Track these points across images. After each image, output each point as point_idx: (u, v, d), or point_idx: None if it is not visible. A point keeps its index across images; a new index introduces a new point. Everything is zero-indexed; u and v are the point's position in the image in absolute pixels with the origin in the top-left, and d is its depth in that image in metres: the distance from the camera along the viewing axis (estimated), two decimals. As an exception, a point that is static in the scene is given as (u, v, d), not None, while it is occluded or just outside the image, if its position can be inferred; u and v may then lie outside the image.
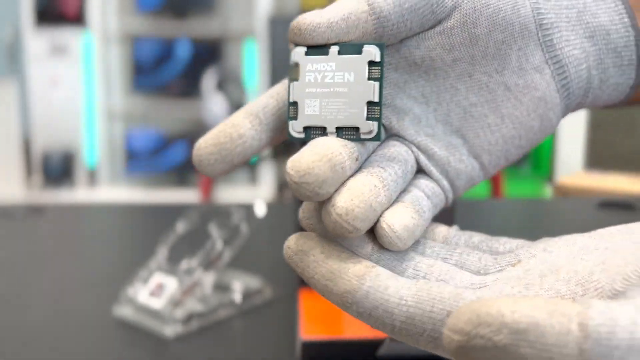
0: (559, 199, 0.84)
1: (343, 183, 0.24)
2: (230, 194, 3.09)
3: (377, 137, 0.26)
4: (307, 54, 0.26)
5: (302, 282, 0.47)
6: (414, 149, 0.28)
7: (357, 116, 0.26)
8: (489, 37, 0.28)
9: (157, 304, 0.44)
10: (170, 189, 3.26)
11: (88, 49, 3.21)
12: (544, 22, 0.28)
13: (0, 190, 2.74)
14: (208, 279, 0.47)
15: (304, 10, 2.99)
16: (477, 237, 0.27)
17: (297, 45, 0.26)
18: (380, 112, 0.26)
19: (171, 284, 0.45)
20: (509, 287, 0.23)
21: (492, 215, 0.81)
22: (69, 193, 3.22)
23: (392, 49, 0.28)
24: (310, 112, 0.26)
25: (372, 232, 0.25)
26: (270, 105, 0.28)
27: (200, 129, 3.28)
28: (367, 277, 0.23)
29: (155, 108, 3.31)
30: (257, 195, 3.13)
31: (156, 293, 0.45)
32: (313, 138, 0.26)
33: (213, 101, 2.50)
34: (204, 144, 0.27)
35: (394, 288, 0.23)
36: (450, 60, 0.28)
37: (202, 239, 0.48)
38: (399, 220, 0.24)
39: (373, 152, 0.27)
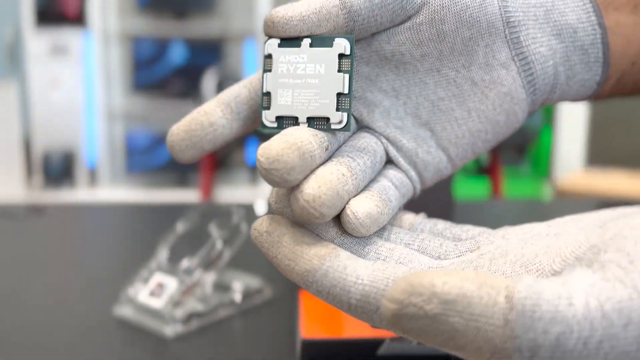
0: (559, 200, 0.84)
1: (312, 171, 0.25)
2: (230, 194, 3.09)
3: (346, 128, 0.27)
4: (280, 45, 0.27)
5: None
6: (384, 140, 0.29)
7: (328, 107, 0.27)
8: (456, 34, 0.29)
9: (157, 303, 0.44)
10: (170, 189, 3.26)
11: (88, 49, 3.21)
12: (511, 19, 0.29)
13: (1, 190, 2.74)
14: (208, 279, 0.47)
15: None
16: (441, 225, 0.28)
17: (270, 37, 0.27)
18: (350, 103, 0.27)
19: (171, 284, 0.45)
20: (459, 269, 0.24)
21: (491, 216, 0.81)
22: (70, 193, 3.22)
23: (363, 43, 0.29)
24: (282, 102, 0.27)
25: (338, 217, 0.26)
26: (242, 94, 0.29)
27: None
28: (328, 257, 0.24)
29: (156, 108, 3.31)
30: (257, 195, 3.13)
31: (156, 293, 0.45)
32: (285, 127, 0.27)
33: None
34: (176, 131, 0.28)
35: (352, 268, 0.24)
36: (419, 55, 0.29)
37: (202, 239, 0.48)
38: (363, 208, 0.25)
39: (344, 143, 0.28)
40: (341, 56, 0.27)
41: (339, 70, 0.27)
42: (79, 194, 3.23)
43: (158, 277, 0.46)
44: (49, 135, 3.24)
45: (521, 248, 0.24)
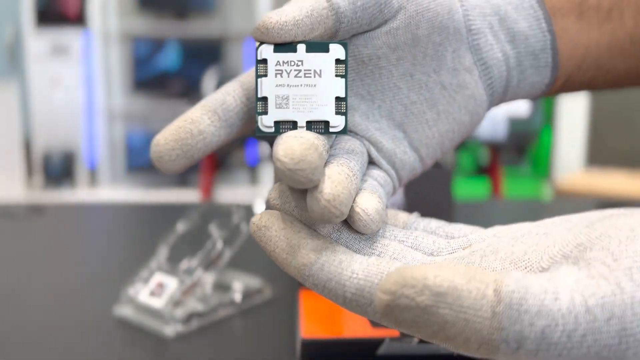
0: (559, 201, 0.84)
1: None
2: (230, 194, 3.09)
3: (344, 130, 0.28)
4: (275, 50, 0.27)
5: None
6: (366, 142, 0.30)
7: (327, 111, 0.27)
8: (428, 39, 0.30)
9: (157, 303, 0.44)
10: (170, 189, 3.26)
11: (88, 49, 3.21)
12: (472, 27, 0.31)
13: (1, 190, 2.74)
14: (208, 279, 0.47)
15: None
16: (434, 223, 0.29)
17: (262, 43, 0.27)
18: (346, 106, 0.28)
19: (171, 284, 0.45)
20: (452, 265, 0.24)
21: (491, 216, 0.81)
22: (70, 193, 3.22)
23: None
24: (280, 106, 0.27)
25: None
26: (228, 102, 0.29)
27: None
28: (324, 252, 0.25)
29: (156, 108, 3.31)
30: (257, 195, 3.13)
31: (156, 293, 0.45)
32: (283, 132, 0.27)
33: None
34: (163, 141, 0.27)
35: (347, 262, 0.25)
36: (395, 59, 0.30)
37: (202, 239, 0.48)
38: (372, 205, 0.26)
39: (331, 146, 0.29)
40: (337, 61, 0.28)
41: (336, 75, 0.28)
42: (79, 194, 3.23)
43: (158, 277, 0.46)
44: (49, 135, 3.24)
45: (511, 246, 0.25)
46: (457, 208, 0.78)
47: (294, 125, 0.27)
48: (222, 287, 0.49)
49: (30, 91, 3.20)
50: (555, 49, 0.32)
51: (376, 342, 0.38)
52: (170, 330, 0.43)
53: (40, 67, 3.19)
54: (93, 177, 3.34)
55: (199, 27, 3.28)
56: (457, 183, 2.54)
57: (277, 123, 0.27)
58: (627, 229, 0.22)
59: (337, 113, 0.27)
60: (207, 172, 2.17)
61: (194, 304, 0.45)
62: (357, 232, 0.27)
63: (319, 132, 0.27)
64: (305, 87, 0.27)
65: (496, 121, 1.95)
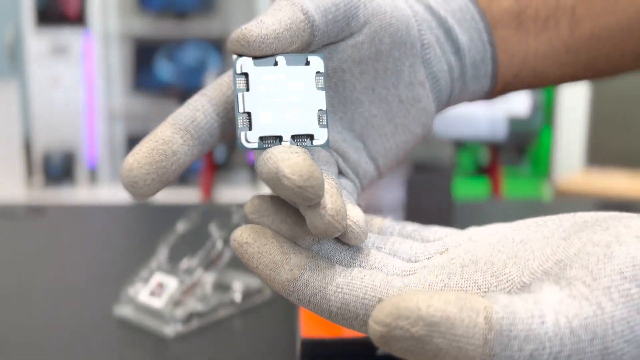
0: (558, 201, 0.84)
1: None
2: (230, 194, 3.09)
3: (327, 143, 0.27)
4: (255, 64, 0.27)
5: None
6: (334, 153, 0.31)
7: (311, 124, 0.27)
8: (389, 54, 0.31)
9: (157, 303, 0.44)
10: (170, 189, 3.26)
11: (89, 49, 3.21)
12: (425, 42, 0.32)
13: (1, 190, 2.74)
14: (208, 279, 0.47)
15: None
16: (410, 227, 0.30)
17: (240, 55, 0.27)
18: (327, 119, 0.27)
19: (171, 284, 0.45)
20: (433, 275, 0.25)
21: (491, 216, 0.81)
22: (70, 193, 3.22)
23: None
24: (264, 121, 0.27)
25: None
26: (198, 118, 0.28)
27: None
28: (307, 266, 0.25)
29: (156, 108, 3.31)
30: (257, 195, 3.13)
31: (156, 292, 0.45)
32: (267, 147, 0.26)
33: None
34: (136, 164, 0.26)
35: (331, 276, 0.25)
36: (358, 73, 0.31)
37: (202, 239, 0.48)
38: (360, 216, 0.26)
39: None
40: (317, 73, 0.27)
41: (317, 88, 0.27)
42: (79, 194, 3.23)
43: (158, 277, 0.46)
44: (49, 135, 3.24)
45: (490, 255, 0.25)
46: (457, 208, 0.78)
47: (279, 140, 0.27)
48: (222, 287, 0.49)
49: (30, 91, 3.20)
50: (495, 59, 0.33)
51: (376, 342, 0.38)
52: (170, 330, 0.43)
53: (40, 67, 3.19)
54: (93, 177, 3.34)
55: (199, 27, 3.28)
56: (457, 183, 2.54)
57: (261, 138, 0.27)
58: (603, 245, 0.22)
59: (320, 126, 0.27)
60: (207, 172, 2.17)
61: (194, 304, 0.45)
62: (336, 242, 0.27)
63: (303, 146, 0.27)
64: (288, 101, 0.27)
65: (496, 121, 1.95)
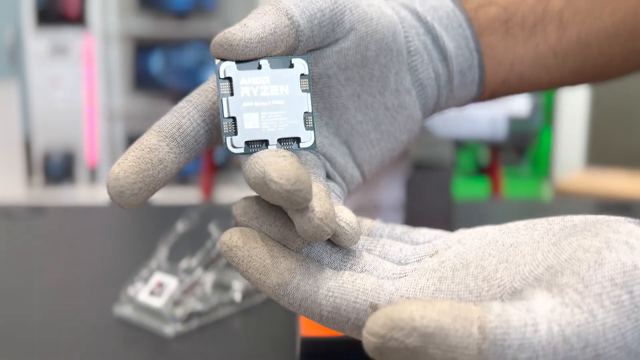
0: (558, 201, 0.84)
1: None
2: (230, 194, 3.10)
3: (314, 145, 0.27)
4: (239, 68, 0.26)
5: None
6: (322, 157, 0.31)
7: (297, 127, 0.27)
8: (375, 60, 0.31)
9: (157, 303, 0.44)
10: (170, 189, 3.26)
11: (89, 49, 3.21)
12: (411, 49, 0.32)
13: (1, 190, 2.74)
14: (208, 278, 0.47)
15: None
16: (399, 229, 0.30)
17: (223, 60, 0.26)
18: (313, 121, 0.27)
19: (171, 283, 0.45)
20: (424, 279, 0.25)
21: (491, 217, 0.81)
22: (70, 193, 3.22)
23: None
24: (250, 126, 0.26)
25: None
26: (184, 125, 0.27)
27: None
28: (298, 270, 0.25)
29: (156, 108, 3.31)
30: (257, 195, 3.13)
31: (156, 292, 0.45)
32: (254, 152, 0.26)
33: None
34: (123, 174, 0.25)
35: (322, 280, 0.25)
36: (344, 79, 0.30)
37: (202, 239, 0.48)
38: (352, 217, 0.26)
39: None
40: (302, 76, 0.27)
41: (302, 90, 0.27)
42: (79, 193, 3.23)
43: (158, 277, 0.46)
44: (50, 135, 3.24)
45: (480, 259, 0.25)
46: (457, 208, 0.78)
47: (265, 144, 0.27)
48: (222, 286, 0.49)
49: (30, 91, 3.20)
50: (482, 67, 0.33)
51: (376, 342, 0.38)
52: (170, 329, 0.43)
53: (40, 67, 3.19)
54: (93, 177, 3.34)
55: (199, 27, 3.28)
56: (457, 183, 2.54)
57: (247, 143, 0.27)
58: (594, 252, 0.22)
59: (307, 129, 0.27)
60: (207, 172, 2.17)
61: (193, 304, 0.45)
62: (326, 244, 0.27)
63: (290, 149, 0.27)
64: (273, 105, 0.27)
65: (496, 121, 1.95)
